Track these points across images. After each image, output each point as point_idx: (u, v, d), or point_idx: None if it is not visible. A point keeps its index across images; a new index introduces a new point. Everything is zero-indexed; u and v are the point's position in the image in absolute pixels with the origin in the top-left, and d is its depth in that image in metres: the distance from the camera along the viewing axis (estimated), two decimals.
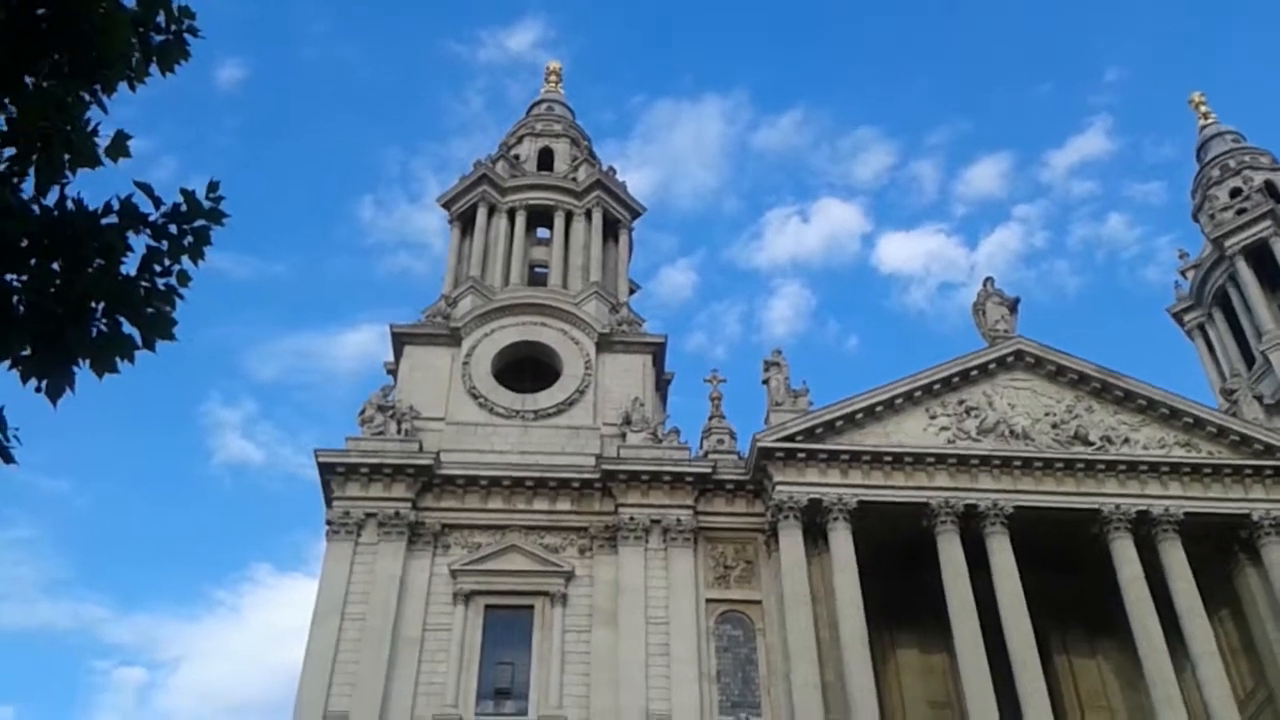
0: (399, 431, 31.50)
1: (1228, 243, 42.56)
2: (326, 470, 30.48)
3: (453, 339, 35.10)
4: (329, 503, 30.48)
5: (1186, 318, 45.87)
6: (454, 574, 29.40)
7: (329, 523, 29.95)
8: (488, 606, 29.17)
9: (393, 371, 36.11)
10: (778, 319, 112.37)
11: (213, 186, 6.52)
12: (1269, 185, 44.73)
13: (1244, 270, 41.83)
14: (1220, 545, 31.14)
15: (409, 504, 30.11)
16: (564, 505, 31.02)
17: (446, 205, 41.22)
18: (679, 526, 30.33)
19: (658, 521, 30.35)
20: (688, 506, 30.77)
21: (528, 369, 35.43)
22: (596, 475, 31.01)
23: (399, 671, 27.50)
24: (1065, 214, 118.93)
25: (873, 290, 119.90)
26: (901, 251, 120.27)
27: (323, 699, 26.79)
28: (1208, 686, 27.81)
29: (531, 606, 29.23)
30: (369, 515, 29.80)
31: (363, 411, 31.86)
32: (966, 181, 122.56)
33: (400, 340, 35.35)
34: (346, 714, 26.60)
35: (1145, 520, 30.11)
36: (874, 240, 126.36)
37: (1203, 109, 50.28)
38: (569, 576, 29.70)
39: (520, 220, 40.25)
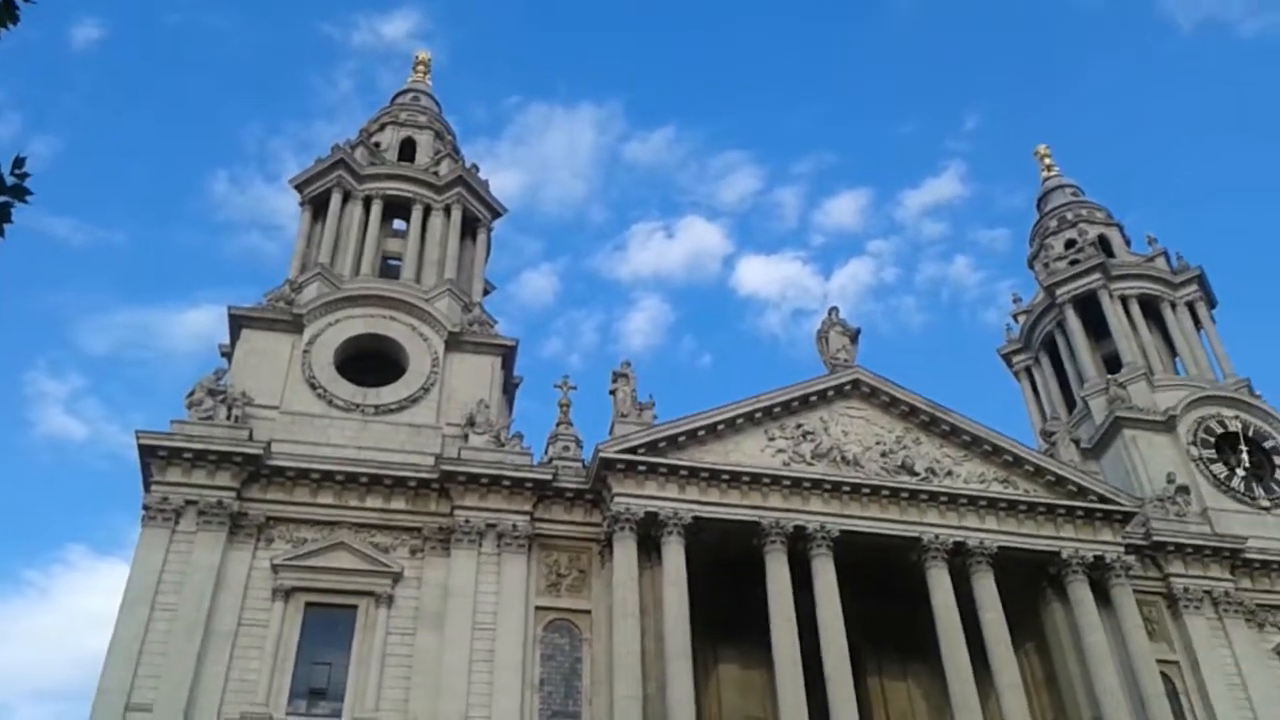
0: (228, 417, 30.40)
1: (1059, 291, 44.76)
2: (147, 453, 29.18)
3: (294, 326, 34.08)
4: (148, 487, 29.17)
5: (1015, 359, 48.09)
6: (275, 569, 28.52)
7: (146, 508, 28.66)
8: (309, 604, 28.37)
9: (228, 355, 34.84)
10: (635, 331, 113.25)
11: (18, 163, 6.27)
12: (1102, 240, 47.23)
13: (1072, 319, 44.06)
14: (1030, 580, 32.64)
15: (233, 494, 29.09)
16: (398, 504, 30.45)
17: (299, 187, 40.03)
18: (515, 532, 30.14)
19: (493, 526, 30.09)
20: (525, 512, 30.61)
21: (372, 363, 34.64)
22: (434, 475, 30.56)
23: (209, 666, 26.55)
24: (915, 252, 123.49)
25: (730, 311, 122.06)
26: (760, 275, 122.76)
27: (126, 689, 25.62)
28: (1010, 717, 29.05)
29: (355, 606, 28.58)
30: (189, 503, 28.64)
31: (191, 394, 30.60)
32: (826, 212, 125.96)
33: (238, 323, 34.13)
34: (150, 706, 25.50)
35: (961, 551, 31.35)
36: (734, 262, 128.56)
37: (1047, 160, 52.79)
38: (397, 578, 29.15)
39: (376, 210, 39.42)
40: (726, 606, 31.67)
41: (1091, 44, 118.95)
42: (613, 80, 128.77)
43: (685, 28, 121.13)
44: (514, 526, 30.22)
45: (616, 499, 30.31)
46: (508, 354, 36.24)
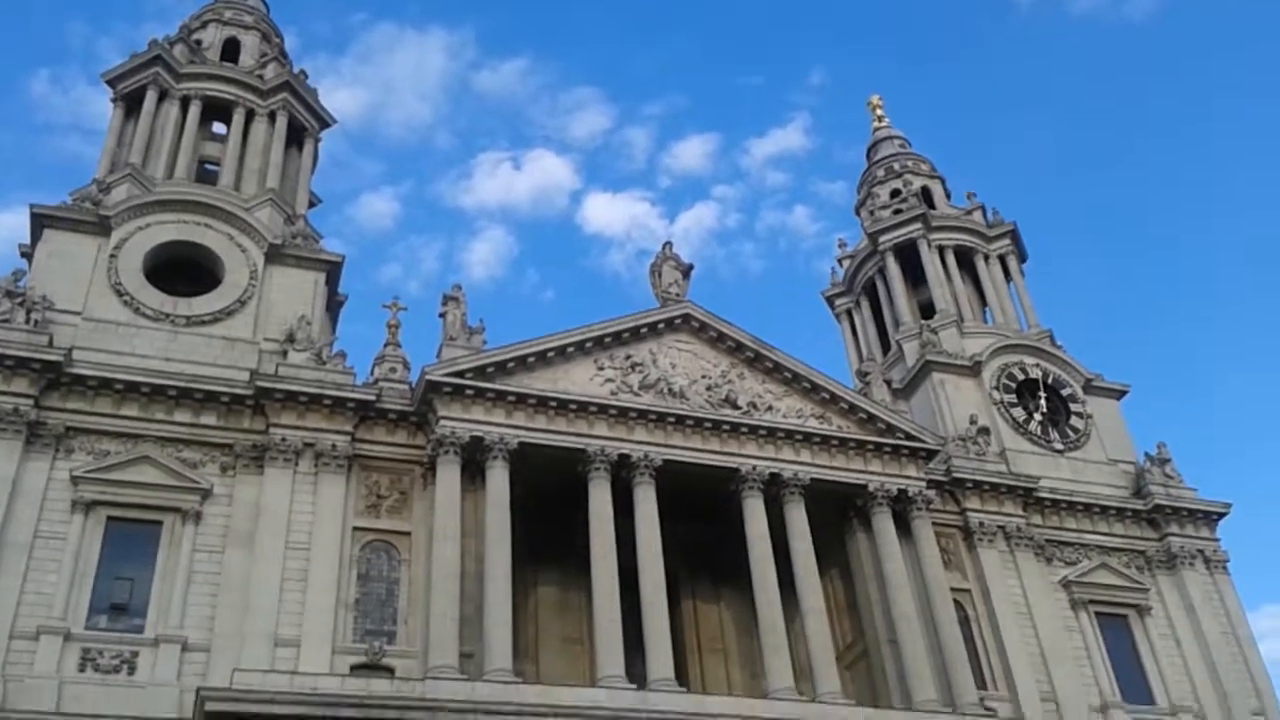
0: (27, 321, 28.59)
1: (881, 239, 46.32)
2: None
3: (101, 228, 32.17)
4: None
5: (837, 302, 49.66)
6: (75, 480, 27.18)
7: None
8: (111, 518, 27.25)
9: (28, 256, 32.66)
10: (478, 262, 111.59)
11: None
12: (925, 191, 48.98)
13: (892, 265, 45.70)
14: (839, 511, 34.04)
15: (30, 401, 27.51)
16: (209, 419, 29.38)
17: (112, 83, 37.62)
18: (334, 452, 29.51)
19: (311, 445, 29.38)
20: (346, 433, 29.97)
21: (186, 273, 33.09)
22: (249, 391, 29.57)
23: (3, 578, 25.42)
24: (758, 200, 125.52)
25: (574, 247, 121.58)
26: (606, 213, 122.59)
27: None
28: (812, 639, 30.42)
29: (160, 522, 27.58)
30: None
31: None
32: (674, 155, 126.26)
33: (40, 223, 31.99)
34: None
35: (776, 482, 32.40)
36: (581, 198, 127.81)
37: (878, 111, 54.19)
38: (206, 494, 28.22)
39: (194, 111, 37.38)
40: (548, 531, 31.93)
41: (938, 10, 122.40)
42: (467, 6, 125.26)
43: None
44: (333, 446, 29.57)
45: (442, 422, 29.99)
46: (332, 270, 35.17)
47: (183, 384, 29.15)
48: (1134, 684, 34.37)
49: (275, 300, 32.89)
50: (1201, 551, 37.34)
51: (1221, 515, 38.34)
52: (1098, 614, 35.40)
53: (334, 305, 37.80)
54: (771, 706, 28.17)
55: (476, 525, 29.43)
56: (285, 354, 30.93)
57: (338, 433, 29.82)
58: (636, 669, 28.26)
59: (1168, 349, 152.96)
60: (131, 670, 25.53)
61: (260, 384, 29.49)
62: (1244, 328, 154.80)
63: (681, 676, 29.82)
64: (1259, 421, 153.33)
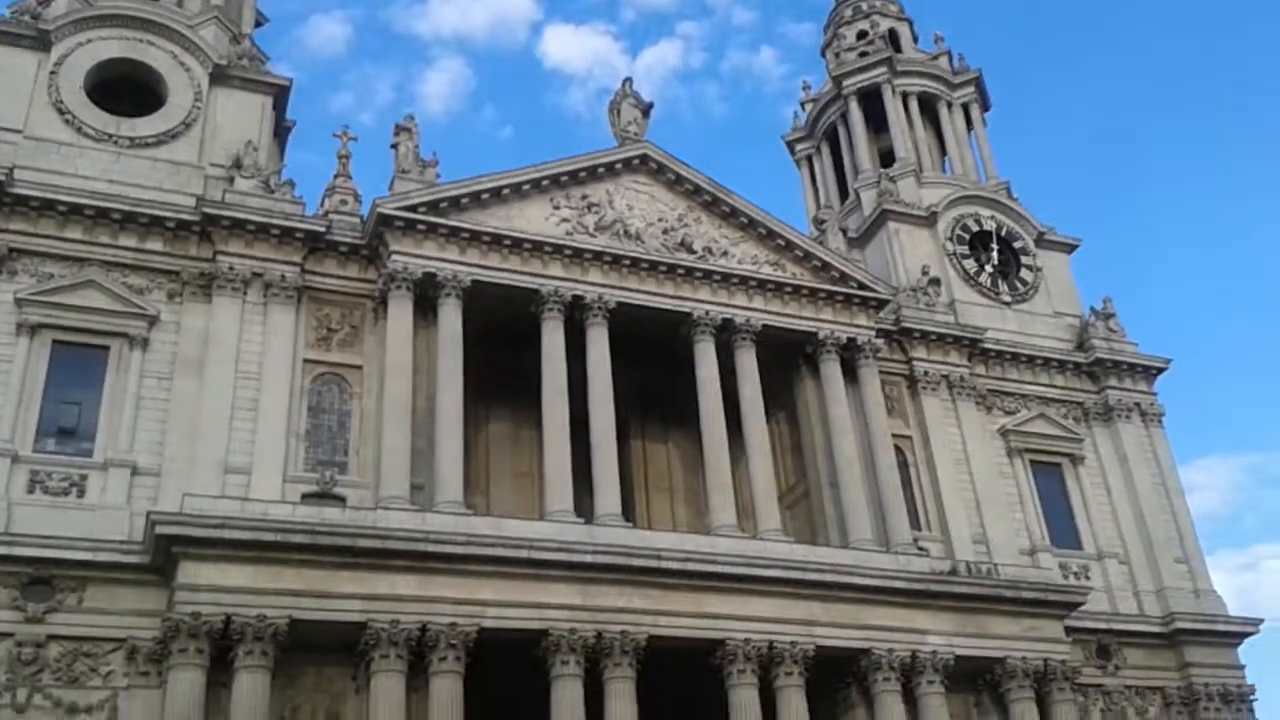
0: None
1: (845, 82, 45.53)
2: None
3: (40, 43, 30.73)
4: None
5: (798, 148, 49.10)
6: (19, 303, 26.69)
7: None
8: (57, 342, 26.83)
9: None
10: (434, 95, 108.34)
11: None
12: (891, 34, 47.90)
13: (855, 111, 45.08)
14: (788, 357, 34.45)
15: None
16: (155, 245, 28.77)
17: None
18: (283, 283, 29.16)
19: (260, 275, 28.99)
20: (295, 264, 29.56)
21: (129, 92, 31.83)
22: (196, 217, 28.93)
23: None
24: (724, 39, 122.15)
25: (534, 83, 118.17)
26: (567, 47, 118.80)
27: None
28: (756, 479, 31.22)
29: (107, 348, 27.23)
30: None
31: None
32: None
33: None
34: None
35: (729, 327, 32.62)
36: (542, 30, 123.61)
37: None
38: (153, 321, 27.89)
39: None
40: (500, 368, 32.11)
41: None
42: None
43: None
44: (282, 277, 29.21)
45: (394, 257, 29.66)
46: (280, 95, 34.00)
47: (127, 207, 28.43)
48: (1063, 529, 35.78)
49: (221, 124, 31.89)
50: (1138, 405, 38.42)
51: (1160, 370, 39.31)
52: (1033, 462, 36.55)
53: (282, 132, 36.75)
54: (714, 542, 29.06)
55: (429, 361, 29.49)
56: (232, 180, 30.18)
57: (286, 263, 29.41)
58: (585, 505, 28.93)
59: (1122, 206, 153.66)
60: (81, 493, 25.65)
61: (207, 210, 28.87)
62: (1199, 192, 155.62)
63: (629, 513, 30.56)
64: (1205, 282, 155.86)
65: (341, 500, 26.81)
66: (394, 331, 29.16)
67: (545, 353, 30.39)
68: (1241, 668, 34.75)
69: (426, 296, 29.95)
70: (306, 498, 26.55)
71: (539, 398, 30.11)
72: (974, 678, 30.49)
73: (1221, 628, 34.87)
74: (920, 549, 31.60)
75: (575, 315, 31.16)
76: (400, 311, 29.35)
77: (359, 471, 28.28)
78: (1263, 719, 35.70)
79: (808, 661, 28.31)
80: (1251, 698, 34.33)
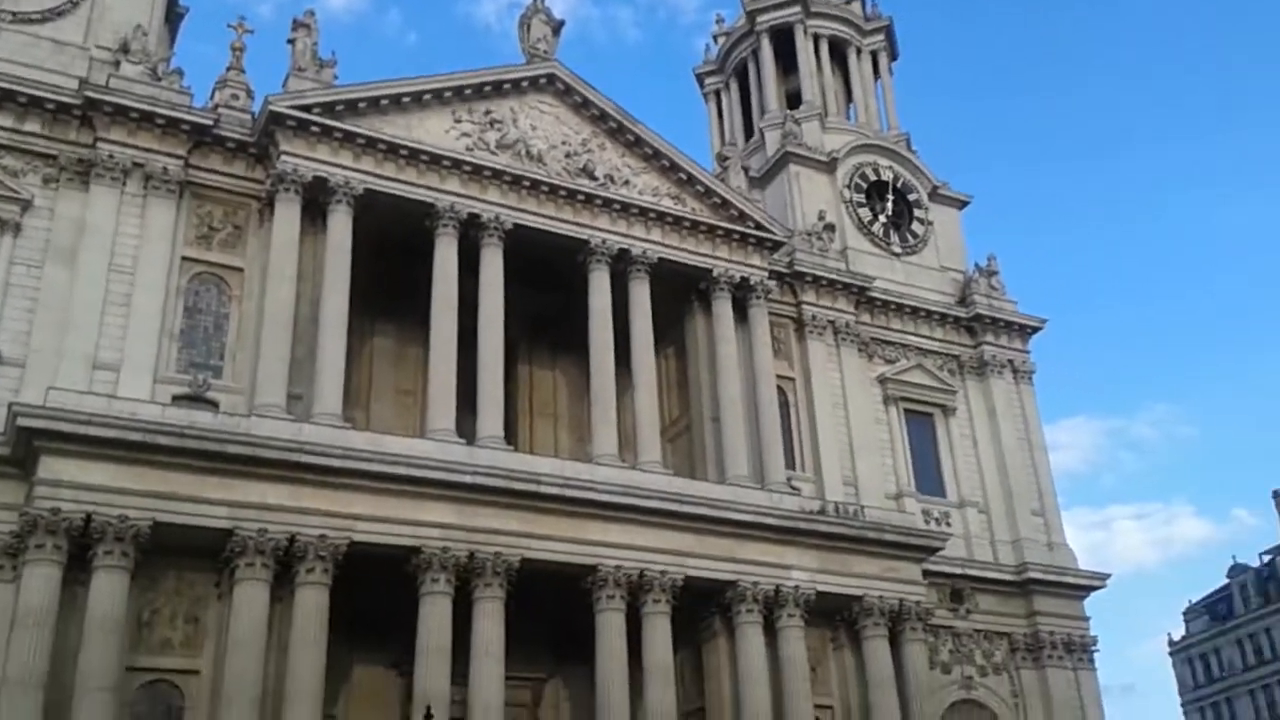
0: None
1: (759, 18, 45.35)
2: None
3: None
4: None
5: (707, 81, 48.89)
6: None
7: None
8: None
9: None
10: None
11: None
12: None
13: (766, 48, 44.99)
14: (681, 292, 34.61)
15: None
16: (33, 126, 27.50)
17: None
18: (164, 176, 28.11)
19: (141, 166, 27.89)
20: (178, 156, 28.49)
21: None
22: (77, 101, 27.62)
23: None
24: None
25: None
26: None
27: None
28: (640, 411, 31.49)
29: None
30: None
31: None
32: None
33: None
34: None
35: (624, 258, 32.58)
36: None
37: None
38: (26, 205, 26.77)
39: None
40: (389, 282, 31.61)
41: None
42: None
43: None
44: (164, 170, 28.14)
45: (283, 158, 28.77)
46: None
47: (5, 85, 27.03)
48: (930, 477, 37.05)
49: (110, 4, 30.35)
50: (1011, 362, 39.74)
51: (1036, 330, 40.65)
52: (907, 411, 37.64)
53: (173, 18, 35.19)
54: (594, 470, 29.32)
55: (314, 268, 28.85)
56: (118, 65, 28.85)
57: (170, 155, 28.33)
58: (467, 426, 28.83)
59: (1017, 167, 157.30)
60: None
61: (89, 94, 27.55)
62: (1098, 160, 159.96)
63: (511, 437, 30.58)
64: (1090, 249, 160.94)
65: (214, 405, 26.22)
66: (279, 235, 28.41)
67: (437, 270, 29.98)
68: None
69: (316, 202, 29.19)
70: (177, 400, 25.89)
71: (427, 315, 29.75)
72: (832, 614, 31.58)
73: (1070, 580, 36.66)
74: (793, 488, 32.38)
75: (470, 234, 30.75)
76: (287, 215, 28.57)
77: (234, 377, 27.68)
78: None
79: (676, 591, 28.95)
80: (1093, 648, 36.32)
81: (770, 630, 29.89)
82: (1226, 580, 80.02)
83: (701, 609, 30.37)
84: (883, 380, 37.52)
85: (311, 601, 24.92)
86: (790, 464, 33.66)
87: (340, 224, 28.97)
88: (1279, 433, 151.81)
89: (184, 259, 28.14)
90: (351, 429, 27.30)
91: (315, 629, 24.74)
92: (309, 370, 27.59)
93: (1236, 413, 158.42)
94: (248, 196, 29.44)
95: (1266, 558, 77.04)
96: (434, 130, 31.23)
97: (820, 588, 30.67)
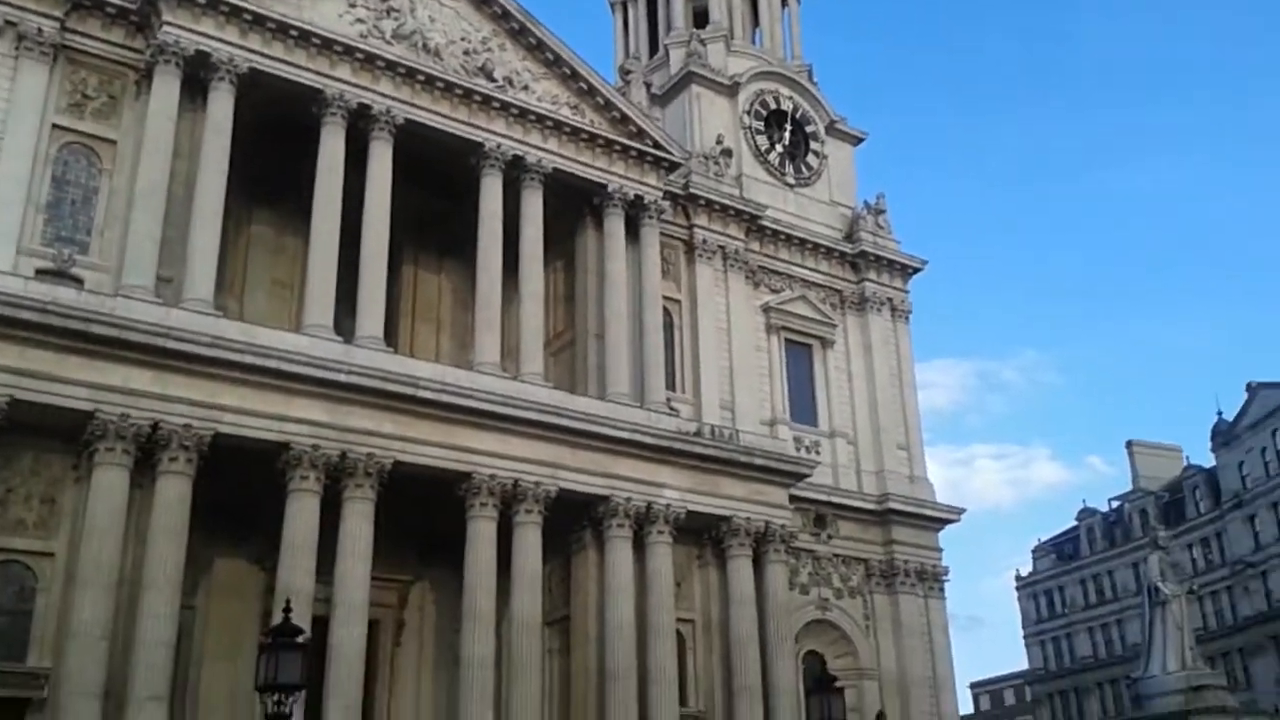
0: None
1: None
2: None
3: None
4: None
5: None
6: None
7: None
8: None
9: None
10: None
11: None
12: None
13: None
14: (574, 205, 34.26)
15: None
16: None
17: None
18: (38, 37, 26.51)
19: (14, 25, 26.59)
20: (55, 18, 26.95)
21: None
22: None
23: None
24: None
25: None
26: None
27: None
28: (525, 322, 31.26)
29: None
30: None
31: None
32: None
33: None
34: None
35: (519, 165, 32.03)
36: None
37: None
38: None
39: None
40: (271, 169, 30.50)
41: None
42: None
43: None
44: (39, 30, 26.55)
45: (165, 28, 27.33)
46: None
47: None
48: (804, 406, 37.85)
49: None
50: (890, 300, 40.61)
51: (916, 270, 41.54)
52: (788, 340, 38.25)
53: None
54: (474, 378, 29.08)
55: (192, 148, 27.67)
56: None
57: (45, 16, 26.74)
58: (346, 325, 28.22)
59: (912, 112, 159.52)
60: None
61: None
62: (996, 110, 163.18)
63: (391, 339, 30.12)
64: (979, 198, 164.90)
65: (79, 282, 25.09)
66: (156, 109, 27.09)
67: (322, 160, 29.01)
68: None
69: (197, 78, 27.87)
70: (41, 274, 24.71)
71: (309, 206, 28.84)
72: (700, 532, 32.21)
73: (928, 513, 38.09)
74: (672, 409, 32.72)
75: (360, 125, 29.79)
76: (166, 88, 27.23)
77: (101, 254, 26.51)
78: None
79: (549, 502, 29.10)
80: (944, 579, 37.93)
81: (639, 545, 30.33)
82: (1075, 523, 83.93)
83: (573, 522, 30.62)
84: (767, 309, 37.97)
85: (173, 491, 24.30)
86: (671, 385, 33.95)
87: (221, 103, 27.74)
88: (1137, 387, 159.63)
89: (55, 127, 26.74)
90: (223, 317, 26.47)
91: (176, 519, 24.17)
92: (180, 253, 26.57)
93: (1100, 366, 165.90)
94: (126, 66, 27.98)
95: (1115, 503, 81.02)
96: (327, 13, 30.03)
97: (691, 507, 31.20)
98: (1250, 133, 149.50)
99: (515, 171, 32.09)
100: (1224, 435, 69.22)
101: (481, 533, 28.10)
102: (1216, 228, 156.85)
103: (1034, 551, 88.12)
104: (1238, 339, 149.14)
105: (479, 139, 31.51)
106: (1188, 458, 76.16)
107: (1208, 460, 71.82)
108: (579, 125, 33.31)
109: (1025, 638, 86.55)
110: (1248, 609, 66.19)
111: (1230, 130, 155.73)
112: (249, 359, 25.54)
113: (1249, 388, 67.58)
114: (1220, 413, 70.25)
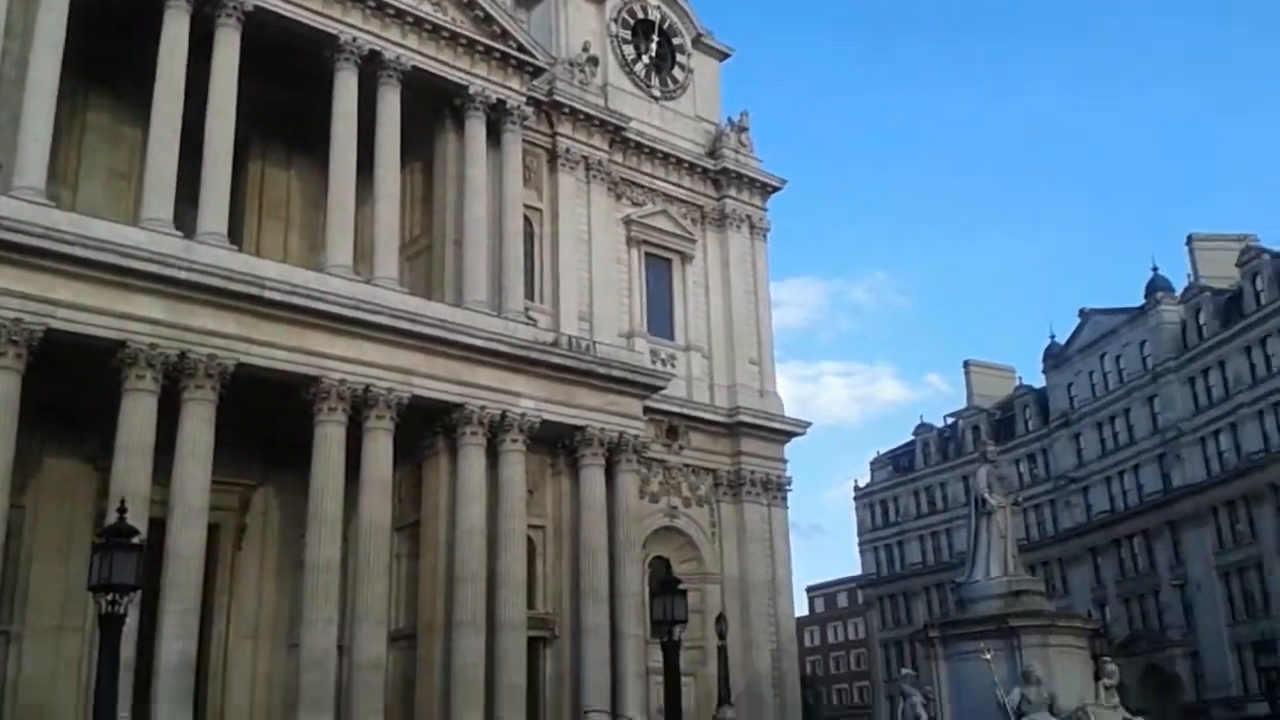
0: None
1: None
2: None
3: None
4: None
5: None
6: None
7: None
8: None
9: None
10: None
11: None
12: None
13: None
14: (434, 107, 33.39)
15: None
16: None
17: None
18: None
19: None
20: None
21: None
22: None
23: None
24: None
25: None
26: None
27: None
28: (379, 225, 30.52)
29: None
30: None
31: None
32: None
33: None
34: None
35: (375, 61, 30.95)
36: None
37: None
38: None
39: None
40: (109, 55, 28.89)
41: None
42: None
43: None
44: None
45: None
46: None
47: None
48: (661, 320, 38.21)
49: None
50: (749, 218, 41.06)
51: (776, 189, 42.00)
52: (648, 254, 38.37)
53: None
54: (325, 280, 28.37)
55: (25, 26, 25.91)
56: None
57: None
58: (188, 221, 27.07)
59: (785, 25, 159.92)
60: None
61: None
62: (862, 35, 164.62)
63: (236, 237, 29.05)
64: (840, 117, 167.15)
65: None
66: None
67: (164, 46, 27.47)
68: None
69: None
70: None
71: (150, 95, 27.37)
72: (554, 441, 32.46)
73: (776, 425, 39.17)
74: (529, 318, 32.60)
75: (205, 10, 28.25)
76: None
77: None
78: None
79: (401, 409, 28.82)
80: (787, 488, 39.21)
81: (492, 453, 30.40)
82: (912, 437, 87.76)
83: (425, 428, 30.45)
84: (628, 221, 37.96)
85: (0, 388, 23.16)
86: (530, 295, 33.76)
87: None
88: (977, 311, 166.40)
89: None
90: (55, 208, 25.09)
91: (4, 416, 23.12)
92: (10, 137, 25.03)
93: (945, 289, 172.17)
94: None
95: (950, 420, 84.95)
96: None
97: (545, 416, 31.34)
98: (1106, 64, 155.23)
99: (372, 67, 31.01)
100: (1055, 358, 72.94)
101: (330, 436, 27.70)
102: (1069, 150, 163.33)
103: (872, 464, 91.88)
104: (1074, 263, 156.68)
105: (334, 31, 30.29)
106: (1020, 378, 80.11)
107: (1039, 381, 75.68)
108: (440, 22, 32.31)
109: (860, 545, 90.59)
110: (1068, 521, 70.64)
111: (1087, 59, 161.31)
112: (82, 252, 24.34)
113: (1081, 313, 71.23)
114: (1053, 336, 73.96)
